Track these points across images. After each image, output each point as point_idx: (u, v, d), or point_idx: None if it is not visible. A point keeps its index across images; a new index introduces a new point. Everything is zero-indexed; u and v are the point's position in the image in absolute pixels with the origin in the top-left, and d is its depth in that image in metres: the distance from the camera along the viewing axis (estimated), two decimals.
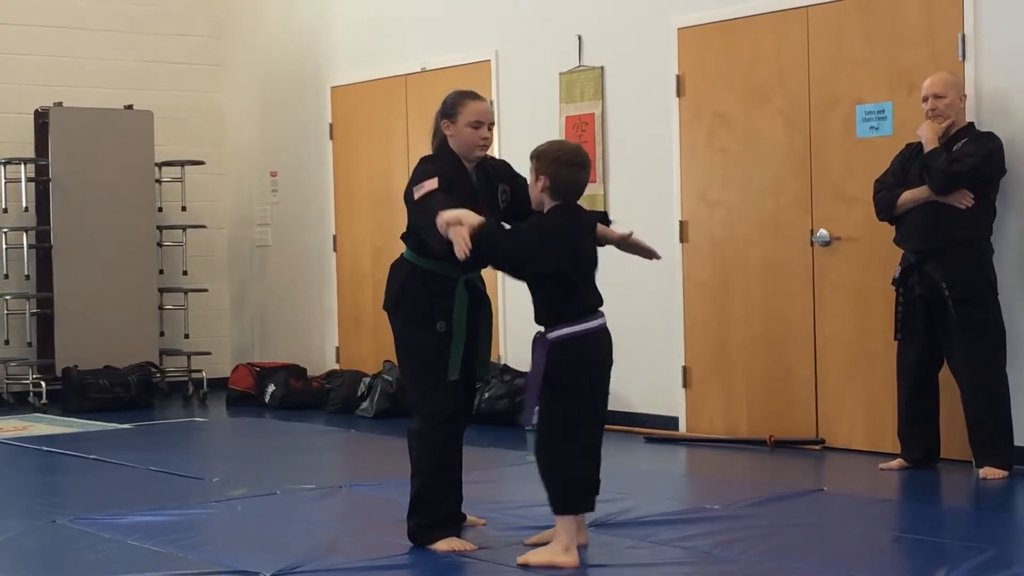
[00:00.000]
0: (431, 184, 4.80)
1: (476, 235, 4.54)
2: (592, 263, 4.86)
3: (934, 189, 6.37)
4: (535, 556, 4.71)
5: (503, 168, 5.23)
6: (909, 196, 6.48)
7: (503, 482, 6.53)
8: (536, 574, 4.58)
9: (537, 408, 4.72)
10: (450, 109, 5.03)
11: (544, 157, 4.78)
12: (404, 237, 5.08)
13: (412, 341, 5.01)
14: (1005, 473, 6.27)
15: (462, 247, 4.47)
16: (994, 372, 6.37)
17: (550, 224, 4.77)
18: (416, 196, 4.85)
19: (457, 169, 5.01)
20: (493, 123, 5.11)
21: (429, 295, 4.95)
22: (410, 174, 4.99)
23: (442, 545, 4.88)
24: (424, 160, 5.05)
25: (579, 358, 4.72)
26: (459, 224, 4.52)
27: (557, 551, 4.68)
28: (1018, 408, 6.41)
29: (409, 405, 5.14)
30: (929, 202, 6.40)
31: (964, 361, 6.37)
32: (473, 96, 5.07)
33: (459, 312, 4.93)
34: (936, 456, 6.59)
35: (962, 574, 4.39)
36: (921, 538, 5.08)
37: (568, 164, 4.77)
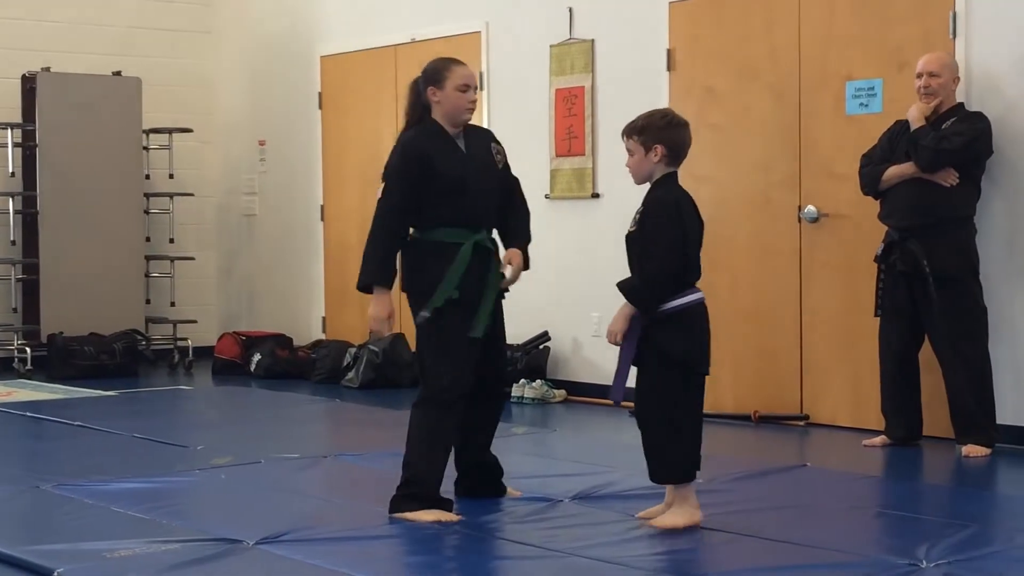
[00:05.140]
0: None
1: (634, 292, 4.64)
2: (703, 229, 4.82)
3: (921, 166, 6.37)
4: (670, 519, 4.73)
5: (486, 132, 5.28)
6: (895, 172, 6.48)
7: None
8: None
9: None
10: (436, 75, 5.04)
11: (651, 127, 4.70)
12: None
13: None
14: (987, 451, 6.30)
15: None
16: (976, 351, 6.39)
17: (678, 194, 4.71)
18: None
19: (444, 139, 5.02)
20: (477, 87, 5.12)
21: (440, 267, 4.95)
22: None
23: (427, 516, 4.88)
24: (405, 134, 5.06)
25: (693, 329, 4.71)
26: None
27: (682, 512, 4.74)
28: (1000, 386, 6.43)
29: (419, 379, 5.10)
30: (914, 179, 6.41)
31: (946, 339, 6.39)
32: (457, 61, 5.11)
33: (456, 272, 4.92)
34: (919, 433, 6.62)
35: (943, 550, 4.40)
36: (903, 514, 5.09)
37: (679, 126, 4.73)
